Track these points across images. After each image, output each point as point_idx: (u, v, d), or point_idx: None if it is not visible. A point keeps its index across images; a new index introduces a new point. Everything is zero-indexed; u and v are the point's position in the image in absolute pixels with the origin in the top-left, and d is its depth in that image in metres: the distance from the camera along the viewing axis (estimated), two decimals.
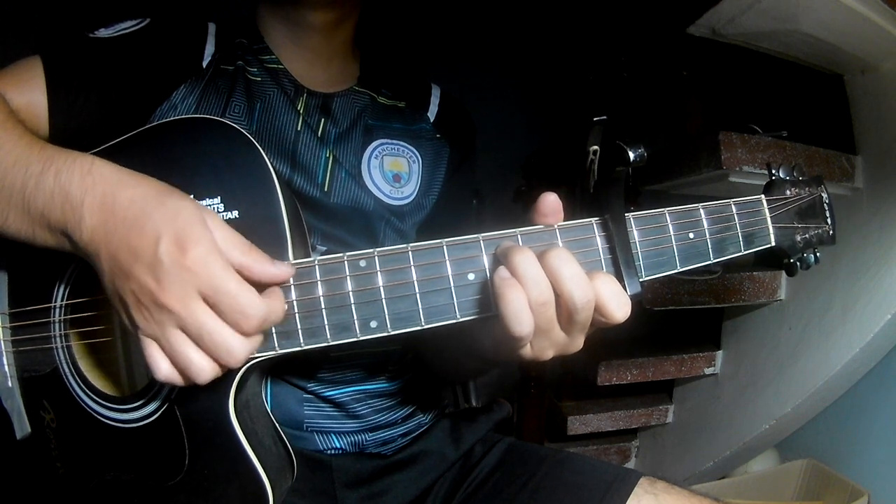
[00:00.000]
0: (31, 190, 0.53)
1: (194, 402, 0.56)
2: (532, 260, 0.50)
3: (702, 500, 0.72)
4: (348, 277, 0.53)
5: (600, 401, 1.92)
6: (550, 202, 0.54)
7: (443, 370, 0.84)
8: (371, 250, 0.54)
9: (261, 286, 0.51)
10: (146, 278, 0.48)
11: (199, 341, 0.48)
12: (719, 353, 1.81)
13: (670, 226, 0.57)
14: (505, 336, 0.50)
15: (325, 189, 0.78)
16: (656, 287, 1.58)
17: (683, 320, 1.82)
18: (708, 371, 1.81)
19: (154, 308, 0.48)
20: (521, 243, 0.54)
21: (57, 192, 0.51)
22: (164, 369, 0.49)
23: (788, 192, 0.64)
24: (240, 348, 0.49)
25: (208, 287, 0.47)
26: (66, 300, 0.63)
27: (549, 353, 0.54)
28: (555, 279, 0.49)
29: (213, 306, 0.48)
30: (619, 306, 0.50)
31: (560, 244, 0.54)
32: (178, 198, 0.51)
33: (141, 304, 0.49)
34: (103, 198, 0.50)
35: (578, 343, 0.54)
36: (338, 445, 0.78)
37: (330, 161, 0.79)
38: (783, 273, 1.61)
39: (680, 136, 1.81)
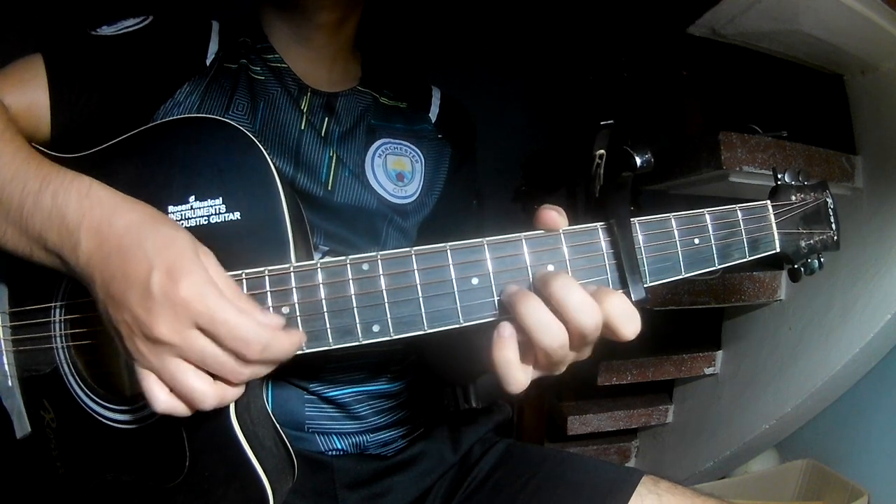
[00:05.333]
0: (29, 208, 0.52)
1: None
2: (539, 306, 0.49)
3: (705, 499, 0.72)
4: (351, 281, 0.53)
5: (600, 401, 1.92)
6: (553, 218, 0.54)
7: (446, 373, 0.84)
8: (374, 253, 0.53)
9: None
10: (138, 310, 0.47)
11: (203, 365, 0.48)
12: (719, 353, 1.81)
13: (676, 231, 0.57)
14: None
15: (329, 188, 0.78)
16: (656, 287, 1.58)
17: (683, 320, 1.81)
18: (708, 371, 1.80)
19: (148, 341, 0.48)
20: (525, 248, 0.54)
21: (55, 213, 0.51)
22: (162, 400, 0.49)
23: (794, 198, 0.64)
24: (245, 368, 0.49)
25: (205, 319, 0.47)
26: (67, 300, 0.63)
27: (560, 370, 0.54)
28: (562, 310, 0.49)
29: (211, 337, 0.47)
30: (629, 324, 0.50)
31: (565, 250, 0.54)
32: (172, 227, 0.50)
33: (134, 334, 0.48)
34: (100, 222, 0.50)
35: (586, 354, 0.54)
36: (339, 446, 0.77)
37: (333, 160, 0.79)
38: (783, 273, 1.61)
39: (680, 136, 1.81)
